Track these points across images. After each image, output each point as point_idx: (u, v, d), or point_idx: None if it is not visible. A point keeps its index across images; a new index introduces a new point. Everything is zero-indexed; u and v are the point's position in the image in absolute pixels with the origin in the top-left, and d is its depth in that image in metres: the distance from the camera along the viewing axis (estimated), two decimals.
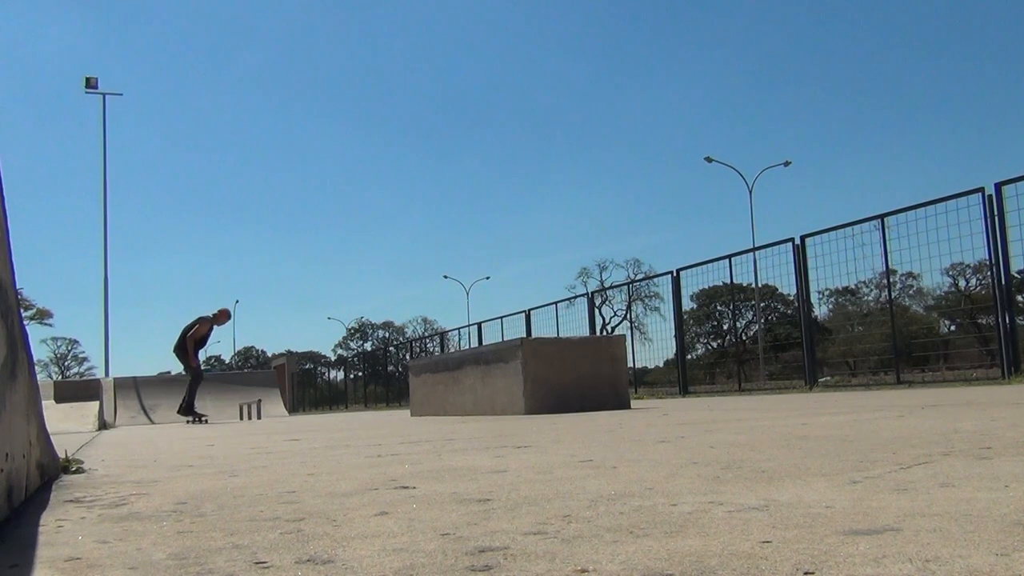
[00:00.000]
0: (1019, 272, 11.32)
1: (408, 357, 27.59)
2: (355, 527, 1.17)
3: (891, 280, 12.28)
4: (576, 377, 7.08)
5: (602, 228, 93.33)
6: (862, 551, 0.85)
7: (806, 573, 0.78)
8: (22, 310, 2.05)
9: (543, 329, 18.58)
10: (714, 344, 39.93)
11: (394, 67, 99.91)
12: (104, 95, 30.56)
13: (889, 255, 10.94)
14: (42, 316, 51.79)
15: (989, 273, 9.91)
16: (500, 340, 14.62)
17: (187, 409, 11.41)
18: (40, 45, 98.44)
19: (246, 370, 56.11)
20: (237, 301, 75.33)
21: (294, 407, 33.49)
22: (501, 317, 20.78)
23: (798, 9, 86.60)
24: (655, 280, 17.39)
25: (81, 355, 79.78)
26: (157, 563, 0.99)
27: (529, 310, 19.50)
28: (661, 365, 18.89)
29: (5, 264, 1.48)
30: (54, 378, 54.39)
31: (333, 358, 69.05)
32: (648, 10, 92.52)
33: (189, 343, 11.25)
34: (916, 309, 25.70)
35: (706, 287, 17.48)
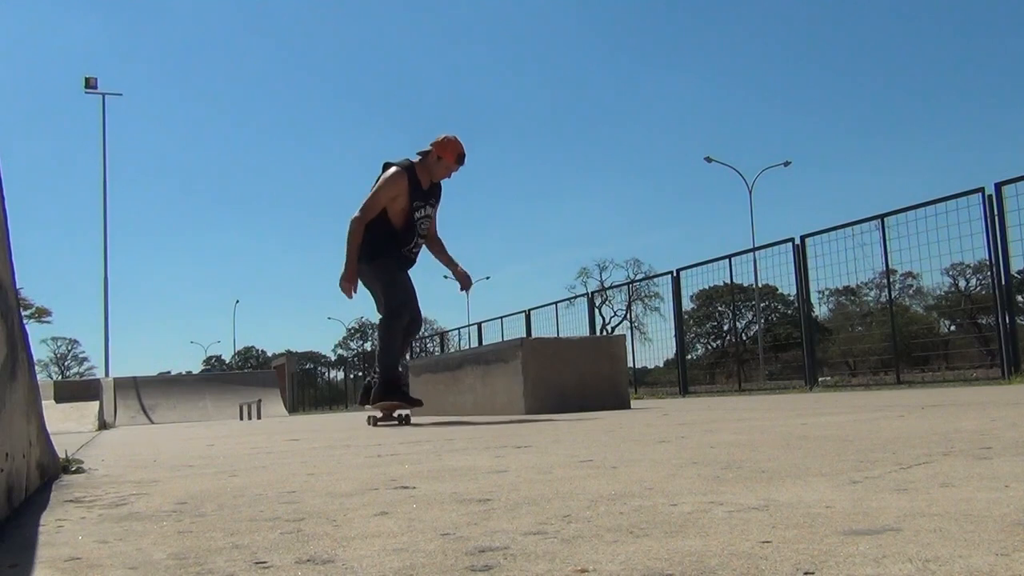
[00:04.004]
0: (1019, 272, 11.32)
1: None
2: (355, 527, 1.17)
3: (891, 280, 12.28)
4: (576, 377, 7.07)
5: (602, 228, 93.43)
6: (862, 551, 0.85)
7: (806, 573, 0.77)
8: (22, 310, 2.05)
9: (543, 329, 18.57)
10: (714, 344, 39.92)
11: (395, 68, 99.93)
12: (104, 95, 30.60)
13: (889, 255, 10.94)
14: (41, 315, 51.75)
15: (989, 273, 9.90)
16: (500, 340, 14.62)
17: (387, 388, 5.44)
18: (40, 45, 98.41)
19: (246, 370, 56.09)
20: (237, 301, 75.42)
21: (294, 407, 33.47)
22: (501, 317, 20.78)
23: (798, 9, 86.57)
24: (655, 280, 17.38)
25: (81, 355, 79.90)
26: (157, 563, 0.99)
27: (529, 310, 19.49)
28: (661, 365, 18.89)
29: (5, 264, 1.48)
30: (54, 378, 54.40)
31: (333, 358, 68.99)
32: (648, 11, 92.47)
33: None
34: (916, 309, 25.70)
35: (706, 287, 17.49)
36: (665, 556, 0.88)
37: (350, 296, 5.32)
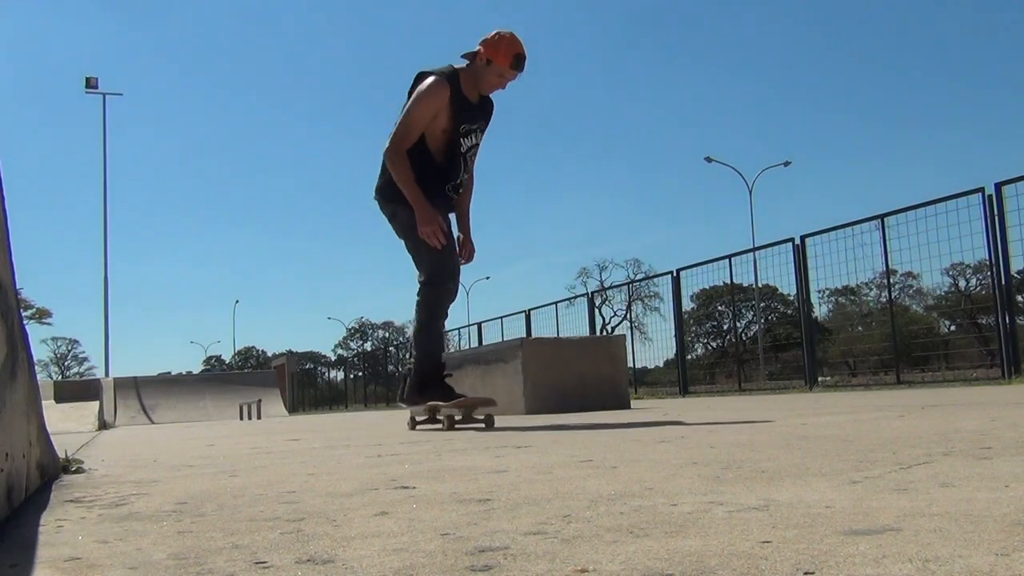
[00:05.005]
0: (1019, 272, 11.32)
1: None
2: (355, 527, 1.17)
3: (891, 280, 12.29)
4: (576, 377, 7.07)
5: (602, 228, 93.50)
6: (862, 551, 0.85)
7: (806, 573, 0.77)
8: (22, 310, 2.05)
9: (543, 329, 18.57)
10: (714, 344, 39.94)
11: (394, 68, 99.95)
12: (104, 95, 30.63)
13: (889, 255, 10.96)
14: (41, 315, 51.77)
15: (989, 273, 9.91)
16: (500, 340, 14.61)
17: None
18: (40, 45, 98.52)
19: (246, 370, 56.14)
20: (237, 301, 75.47)
21: (294, 407, 33.48)
22: (501, 317, 20.79)
23: (798, 10, 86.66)
24: (655, 280, 17.40)
25: (81, 355, 79.91)
26: (157, 563, 0.99)
27: (529, 310, 19.49)
28: (661, 365, 18.90)
29: (5, 264, 1.48)
30: (54, 378, 54.41)
31: (333, 358, 69.03)
32: (648, 11, 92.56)
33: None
34: (916, 309, 25.70)
35: (706, 287, 17.53)
36: (665, 556, 0.88)
37: (442, 241, 4.00)
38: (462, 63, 4.14)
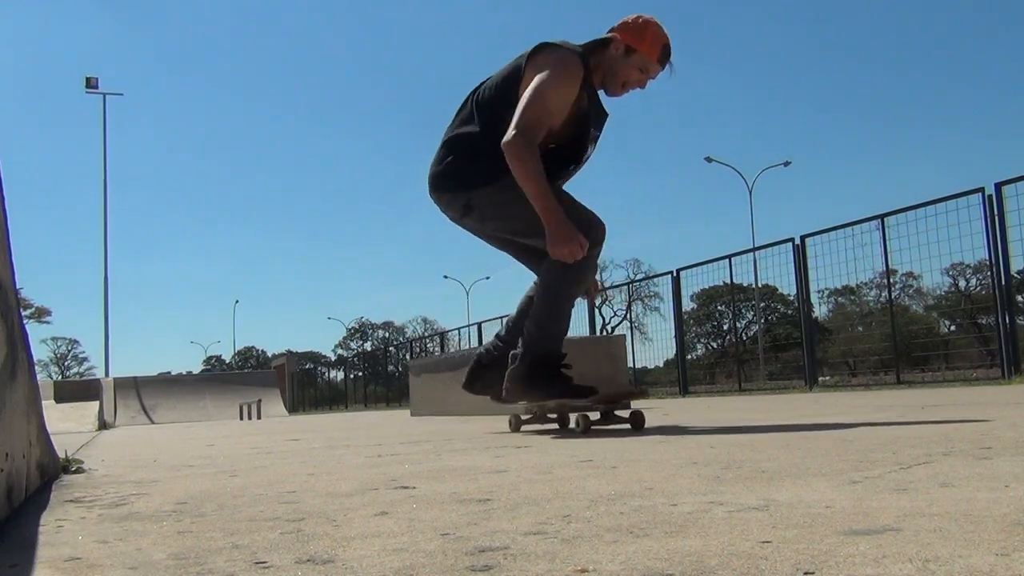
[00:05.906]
0: (1019, 272, 11.32)
1: (408, 357, 27.57)
2: (355, 527, 1.17)
3: (891, 280, 12.29)
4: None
5: None
6: (862, 551, 0.85)
7: (806, 573, 0.77)
8: (21, 309, 2.05)
9: None
10: (714, 344, 39.94)
11: (394, 68, 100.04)
12: (104, 95, 30.66)
13: (889, 255, 10.95)
14: (40, 314, 51.79)
15: (989, 273, 9.91)
16: None
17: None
18: (40, 45, 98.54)
19: (246, 370, 56.12)
20: (237, 301, 75.50)
21: (294, 407, 33.49)
22: (501, 317, 20.77)
23: (798, 10, 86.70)
24: (655, 280, 17.39)
25: (81, 355, 79.88)
26: (157, 563, 0.99)
27: None
28: (661, 365, 18.90)
29: (5, 264, 1.48)
30: (54, 378, 54.39)
31: (333, 358, 69.00)
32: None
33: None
34: (916, 309, 25.72)
35: (706, 287, 17.51)
36: (665, 556, 0.88)
37: (581, 254, 3.00)
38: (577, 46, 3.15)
